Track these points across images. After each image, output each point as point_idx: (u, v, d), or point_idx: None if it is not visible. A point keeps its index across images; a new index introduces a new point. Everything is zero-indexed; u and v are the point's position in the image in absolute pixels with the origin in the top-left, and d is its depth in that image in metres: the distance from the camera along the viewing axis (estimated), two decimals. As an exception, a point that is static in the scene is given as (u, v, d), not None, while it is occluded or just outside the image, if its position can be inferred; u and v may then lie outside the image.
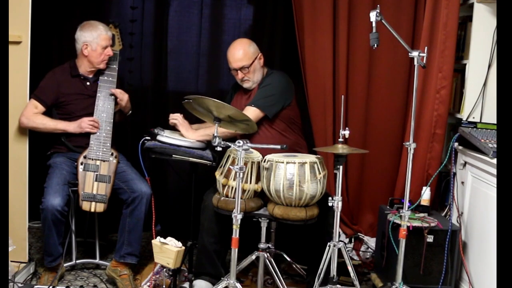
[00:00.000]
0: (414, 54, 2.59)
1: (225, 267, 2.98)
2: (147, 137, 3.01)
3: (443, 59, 3.15)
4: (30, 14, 2.94)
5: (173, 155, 2.94)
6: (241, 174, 2.50)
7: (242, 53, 3.06)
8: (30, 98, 3.05)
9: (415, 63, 2.60)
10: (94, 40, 3.06)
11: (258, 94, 3.07)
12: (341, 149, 2.59)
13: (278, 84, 3.09)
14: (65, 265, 3.12)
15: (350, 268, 2.67)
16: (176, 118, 3.11)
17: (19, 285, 2.84)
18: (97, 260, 3.27)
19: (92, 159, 3.01)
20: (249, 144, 2.51)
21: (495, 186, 2.63)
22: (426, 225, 2.86)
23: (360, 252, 3.56)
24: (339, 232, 2.66)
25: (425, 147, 3.23)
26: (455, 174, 3.06)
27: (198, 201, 3.04)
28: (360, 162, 3.58)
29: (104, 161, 3.03)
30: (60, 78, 3.13)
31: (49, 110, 3.13)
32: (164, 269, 2.78)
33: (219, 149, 2.61)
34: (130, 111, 3.31)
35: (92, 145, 3.04)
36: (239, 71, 3.08)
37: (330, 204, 2.60)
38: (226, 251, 3.02)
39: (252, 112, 2.98)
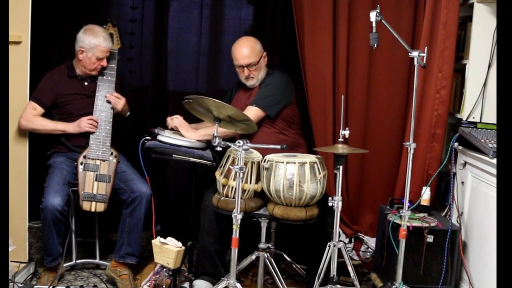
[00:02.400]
0: (414, 54, 2.59)
1: (225, 267, 2.98)
2: (147, 137, 3.01)
3: (443, 59, 3.15)
4: (30, 14, 2.94)
5: (173, 155, 2.94)
6: (241, 174, 2.50)
7: (250, 50, 3.06)
8: (29, 100, 3.05)
9: (415, 63, 2.60)
10: (91, 49, 3.04)
11: (259, 94, 3.07)
12: (341, 149, 2.59)
13: (279, 84, 3.09)
14: (65, 265, 3.12)
15: (350, 268, 2.67)
16: (174, 120, 3.10)
17: (19, 285, 2.84)
18: (97, 260, 3.27)
19: (92, 159, 3.01)
20: (249, 144, 2.51)
21: (495, 186, 2.63)
22: (426, 225, 2.85)
23: (360, 252, 3.56)
24: (339, 232, 2.66)
25: (425, 147, 3.23)
26: (455, 174, 3.06)
27: (198, 201, 3.04)
28: (360, 162, 3.58)
29: (104, 160, 3.03)
30: (57, 79, 3.13)
31: (49, 111, 3.13)
32: (164, 269, 2.78)
33: (219, 149, 2.61)
34: (129, 113, 3.30)
35: (91, 145, 3.04)
36: (245, 68, 3.07)
37: (330, 204, 2.60)
38: (226, 251, 3.02)
39: (253, 112, 2.98)
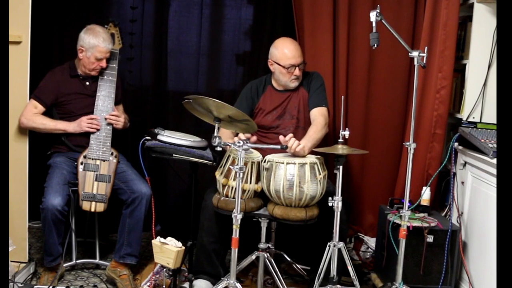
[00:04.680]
0: (414, 54, 2.59)
1: (224, 266, 2.98)
2: (147, 137, 3.01)
3: (443, 59, 3.15)
4: (30, 14, 2.94)
5: (174, 155, 2.93)
6: (241, 174, 2.50)
7: (299, 49, 3.02)
8: (29, 98, 3.05)
9: (415, 63, 2.60)
10: (90, 49, 3.04)
11: (321, 94, 3.05)
12: (341, 149, 2.59)
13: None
14: (65, 265, 3.12)
15: (350, 268, 2.67)
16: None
17: (19, 285, 2.83)
18: (97, 260, 3.27)
19: (92, 159, 3.01)
20: (249, 144, 2.51)
21: (495, 186, 2.63)
22: (426, 225, 2.86)
23: (360, 252, 3.56)
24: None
25: (425, 147, 3.23)
26: (455, 174, 3.06)
27: (198, 201, 3.04)
28: (360, 162, 3.58)
29: (104, 160, 3.03)
30: (59, 78, 3.13)
31: (49, 110, 3.13)
32: (164, 269, 2.78)
33: (219, 149, 2.61)
34: (129, 123, 3.29)
35: (92, 145, 3.04)
36: (297, 67, 3.00)
37: (330, 204, 2.59)
38: (225, 251, 3.02)
39: (325, 113, 2.99)
